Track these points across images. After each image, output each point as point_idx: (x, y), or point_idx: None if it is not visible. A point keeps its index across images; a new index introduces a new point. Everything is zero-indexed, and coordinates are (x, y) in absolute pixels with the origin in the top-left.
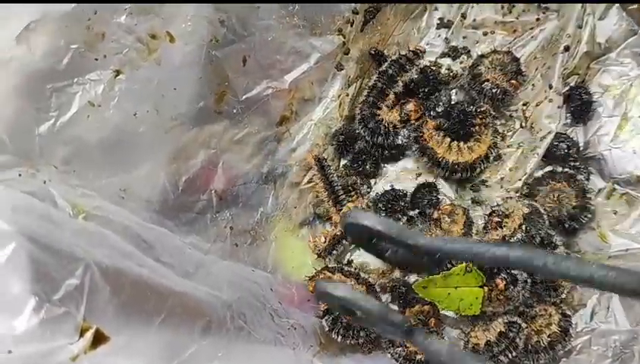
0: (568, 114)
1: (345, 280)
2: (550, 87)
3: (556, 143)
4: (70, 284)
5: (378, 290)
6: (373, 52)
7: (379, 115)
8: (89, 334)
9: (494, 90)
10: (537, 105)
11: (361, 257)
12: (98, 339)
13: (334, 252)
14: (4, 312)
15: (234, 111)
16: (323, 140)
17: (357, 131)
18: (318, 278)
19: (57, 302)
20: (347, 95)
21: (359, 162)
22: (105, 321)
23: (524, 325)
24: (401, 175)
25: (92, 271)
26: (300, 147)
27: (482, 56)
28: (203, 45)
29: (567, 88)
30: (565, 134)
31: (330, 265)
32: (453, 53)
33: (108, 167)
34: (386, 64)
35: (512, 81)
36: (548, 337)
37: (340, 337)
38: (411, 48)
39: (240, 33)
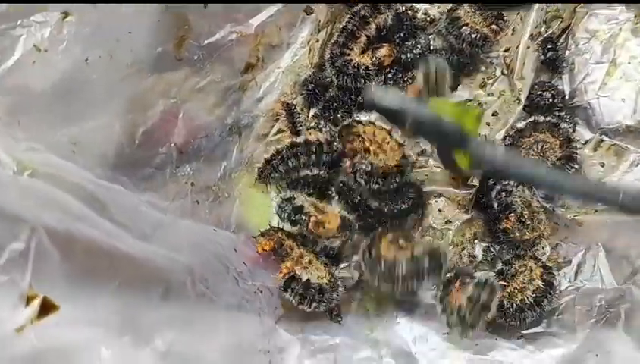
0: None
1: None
2: (532, 36)
3: (539, 92)
4: (13, 249)
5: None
6: None
7: (349, 55)
8: (35, 303)
9: (473, 35)
10: (518, 51)
11: None
12: (46, 308)
13: None
14: None
15: (195, 57)
16: (291, 89)
17: (327, 77)
18: (267, 237)
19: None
20: (317, 40)
21: (330, 111)
22: (53, 289)
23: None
24: None
25: (38, 235)
26: (267, 96)
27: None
28: None
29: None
30: (549, 83)
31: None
32: None
33: (56, 119)
34: (359, 4)
35: (493, 26)
36: (533, 293)
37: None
38: None
39: None
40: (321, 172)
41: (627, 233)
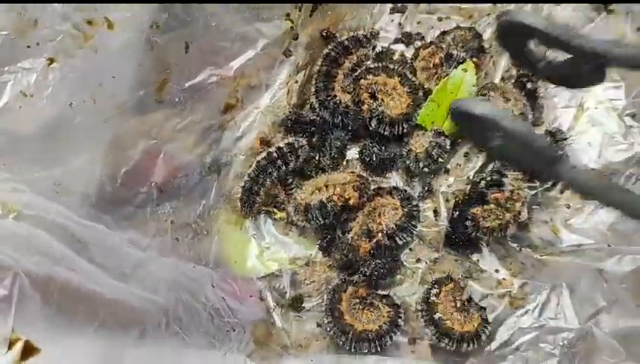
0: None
1: None
2: (502, 79)
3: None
4: None
5: None
6: (324, 34)
7: (333, 92)
8: (18, 346)
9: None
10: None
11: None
12: (28, 351)
13: None
14: None
15: (177, 99)
16: (270, 129)
17: (307, 116)
18: None
19: None
20: (296, 82)
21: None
22: (35, 332)
23: None
24: None
25: (21, 280)
26: (246, 136)
27: (444, 33)
28: (143, 31)
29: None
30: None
31: None
32: (407, 39)
33: (41, 160)
34: (330, 46)
35: (475, 59)
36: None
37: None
38: (362, 32)
39: (182, 18)
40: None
41: (590, 276)
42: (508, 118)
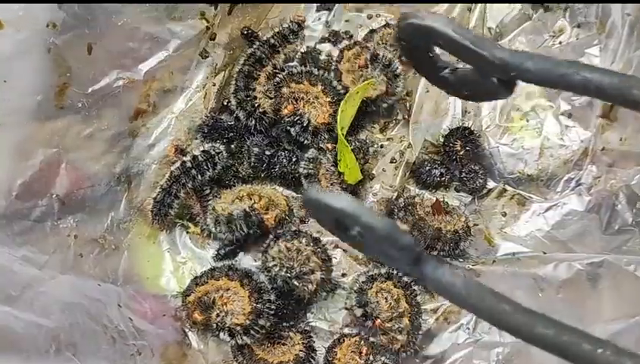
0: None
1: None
2: None
3: (427, 168)
4: None
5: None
6: (245, 32)
7: (254, 95)
8: None
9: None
10: (417, 95)
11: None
12: None
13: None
14: None
15: (79, 105)
16: (186, 135)
17: (224, 121)
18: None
19: None
20: (214, 84)
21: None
22: None
23: None
24: None
25: None
26: (159, 143)
27: (373, 31)
28: (39, 31)
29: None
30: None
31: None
32: (334, 38)
33: None
34: (255, 44)
35: (403, 58)
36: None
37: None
38: (287, 25)
39: (82, 17)
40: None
41: (525, 286)
42: (367, 214)
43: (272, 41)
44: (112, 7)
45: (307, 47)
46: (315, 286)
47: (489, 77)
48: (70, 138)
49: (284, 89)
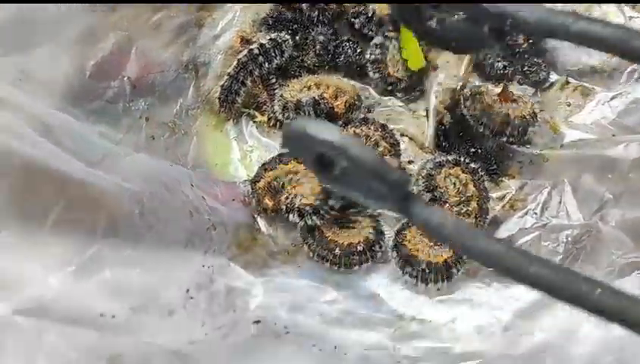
0: None
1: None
2: None
3: (490, 61)
4: None
5: None
6: None
7: None
8: None
9: None
10: None
11: None
12: None
13: None
14: None
15: None
16: (250, 27)
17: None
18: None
19: None
20: None
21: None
22: None
23: None
24: None
25: None
26: (225, 34)
27: None
28: None
29: None
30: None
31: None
32: None
33: (3, 46)
34: None
35: None
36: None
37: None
38: None
39: None
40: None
41: (594, 168)
42: (357, 147)
43: None
44: None
45: None
46: None
47: (482, 26)
48: (138, 25)
49: None
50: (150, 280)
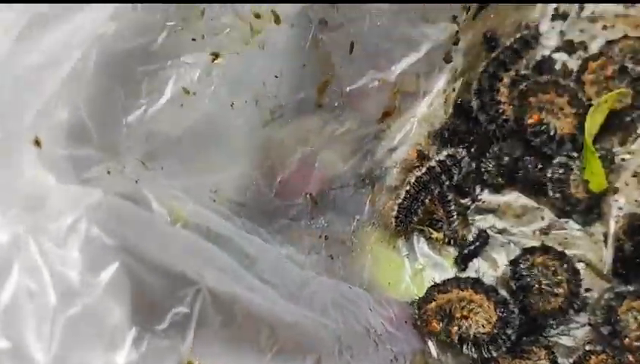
0: None
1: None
2: None
3: None
4: (177, 313)
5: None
6: (488, 35)
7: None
8: None
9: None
10: None
11: None
12: None
13: None
14: (103, 343)
15: (336, 104)
16: (426, 140)
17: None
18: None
19: (161, 333)
20: (454, 90)
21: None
22: (211, 357)
23: None
24: None
25: (203, 297)
26: (401, 147)
27: (611, 42)
28: (310, 27)
29: None
30: None
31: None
32: (569, 48)
33: (197, 165)
34: (498, 49)
35: None
36: None
37: None
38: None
39: (349, 16)
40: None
41: None
42: None
43: (515, 46)
44: (373, 7)
45: (542, 55)
46: (562, 299)
47: None
48: (323, 137)
49: (531, 98)
50: None
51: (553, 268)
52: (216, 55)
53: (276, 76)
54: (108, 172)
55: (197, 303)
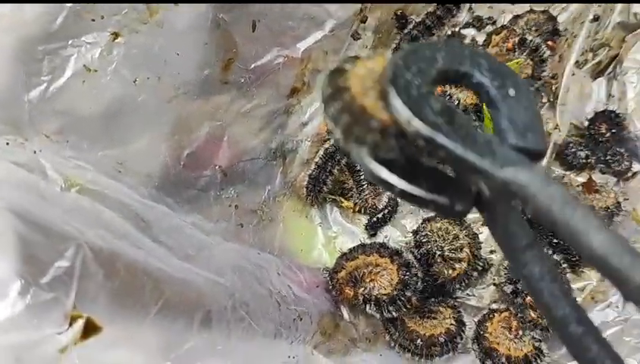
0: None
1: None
2: (577, 63)
3: (572, 150)
4: (59, 267)
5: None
6: (399, 14)
7: None
8: (79, 324)
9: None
10: (563, 78)
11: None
12: (89, 329)
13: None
14: None
15: (242, 80)
16: None
17: None
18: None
19: (45, 287)
20: None
21: None
22: (96, 310)
23: None
24: None
25: (84, 253)
26: (312, 121)
27: (517, 16)
28: (210, 7)
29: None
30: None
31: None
32: (478, 23)
33: (104, 139)
34: (411, 25)
35: (549, 42)
36: None
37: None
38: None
39: None
40: None
41: None
42: None
43: (427, 22)
44: None
45: (452, 31)
46: (465, 264)
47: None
48: (231, 113)
49: None
50: None
51: (453, 233)
52: (116, 35)
53: (177, 54)
54: (7, 143)
55: (78, 257)
